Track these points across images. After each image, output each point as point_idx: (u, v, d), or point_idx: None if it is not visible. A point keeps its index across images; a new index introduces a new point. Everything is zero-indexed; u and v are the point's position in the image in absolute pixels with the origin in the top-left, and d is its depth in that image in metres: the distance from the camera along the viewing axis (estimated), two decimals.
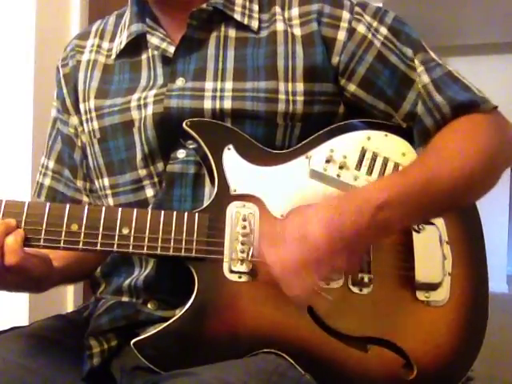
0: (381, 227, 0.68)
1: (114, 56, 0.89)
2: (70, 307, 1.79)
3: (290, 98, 0.80)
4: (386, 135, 0.82)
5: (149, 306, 0.79)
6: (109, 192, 0.87)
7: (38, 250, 0.74)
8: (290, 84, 0.80)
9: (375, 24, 0.84)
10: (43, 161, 0.97)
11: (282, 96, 0.79)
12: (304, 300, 0.70)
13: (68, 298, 1.82)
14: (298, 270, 0.65)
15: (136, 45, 0.87)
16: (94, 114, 0.87)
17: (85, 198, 0.95)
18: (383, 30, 0.83)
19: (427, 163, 0.74)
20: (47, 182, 0.95)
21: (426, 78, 0.81)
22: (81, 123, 0.91)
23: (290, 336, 0.71)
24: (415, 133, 0.82)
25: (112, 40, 0.92)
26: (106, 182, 0.87)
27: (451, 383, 0.76)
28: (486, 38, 5.32)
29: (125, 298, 0.83)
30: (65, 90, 0.94)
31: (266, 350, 0.70)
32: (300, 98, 0.80)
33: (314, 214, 0.66)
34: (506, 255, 5.55)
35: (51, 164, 0.96)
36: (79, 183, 0.94)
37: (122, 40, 0.88)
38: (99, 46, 0.92)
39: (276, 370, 0.66)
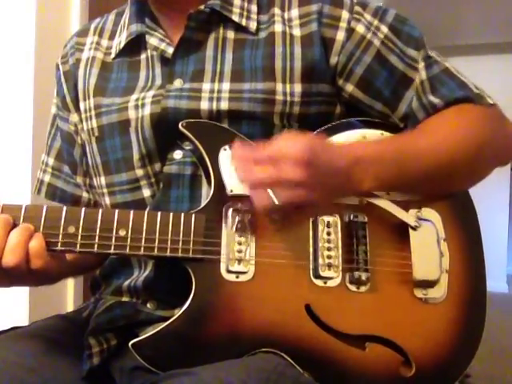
0: (353, 181, 0.71)
1: (113, 55, 0.89)
2: (70, 307, 1.79)
3: (288, 98, 0.80)
4: (382, 134, 0.82)
5: (148, 305, 0.79)
6: (105, 191, 0.87)
7: None
8: (287, 85, 0.80)
9: (376, 23, 0.84)
10: (43, 158, 0.98)
11: (279, 97, 0.80)
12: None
13: (68, 298, 1.82)
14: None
15: (135, 44, 0.87)
16: (93, 113, 0.87)
17: (85, 194, 0.95)
18: (384, 29, 0.83)
19: (405, 135, 0.79)
20: (47, 178, 0.96)
21: (424, 75, 0.82)
22: (81, 121, 0.91)
23: (289, 335, 0.71)
24: (409, 128, 0.83)
25: (111, 38, 0.92)
26: (103, 180, 0.87)
27: (450, 380, 0.76)
28: (486, 38, 5.32)
29: (124, 298, 0.83)
30: (65, 87, 0.94)
31: (264, 350, 0.70)
32: (297, 99, 0.80)
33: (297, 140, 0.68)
34: (505, 255, 5.53)
35: (51, 161, 0.96)
36: (79, 179, 0.95)
37: (121, 40, 0.89)
38: (98, 44, 0.93)
39: (275, 368, 0.66)
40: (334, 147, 0.72)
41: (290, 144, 0.65)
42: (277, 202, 0.65)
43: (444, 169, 0.77)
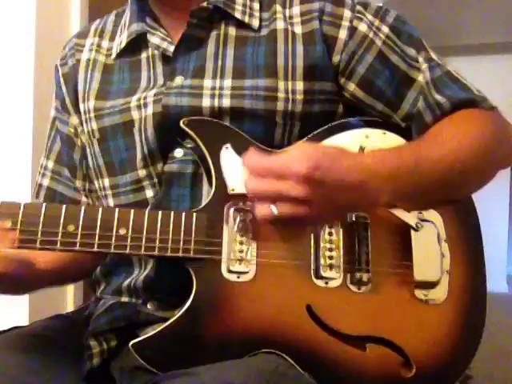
0: (369, 197, 0.67)
1: (114, 55, 0.89)
2: (70, 307, 1.79)
3: (290, 96, 0.80)
4: (384, 133, 0.82)
5: (148, 306, 0.79)
6: (109, 192, 0.87)
7: (21, 255, 0.73)
8: (289, 82, 0.80)
9: (377, 23, 0.84)
10: (42, 161, 0.97)
11: (281, 94, 0.79)
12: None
13: (68, 298, 1.82)
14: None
15: (136, 44, 0.87)
16: (92, 115, 0.87)
17: (83, 198, 0.94)
18: (385, 29, 0.83)
19: (419, 144, 0.75)
20: (46, 182, 0.95)
21: (428, 75, 0.82)
22: (80, 123, 0.91)
23: (289, 336, 0.71)
24: (414, 129, 0.83)
25: (112, 39, 0.92)
26: (107, 182, 0.87)
27: (450, 381, 0.76)
28: (485, 38, 5.32)
29: (124, 298, 0.83)
30: (64, 90, 0.93)
31: (265, 350, 0.70)
32: (299, 97, 0.80)
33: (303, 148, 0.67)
34: (506, 255, 5.54)
35: (50, 164, 0.95)
36: (78, 183, 0.94)
37: (122, 40, 0.88)
38: (99, 45, 0.92)
39: (276, 369, 0.65)
40: (347, 161, 0.66)
41: (297, 159, 0.62)
42: (276, 213, 0.63)
43: (457, 177, 0.75)
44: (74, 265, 0.88)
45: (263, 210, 0.64)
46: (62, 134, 0.95)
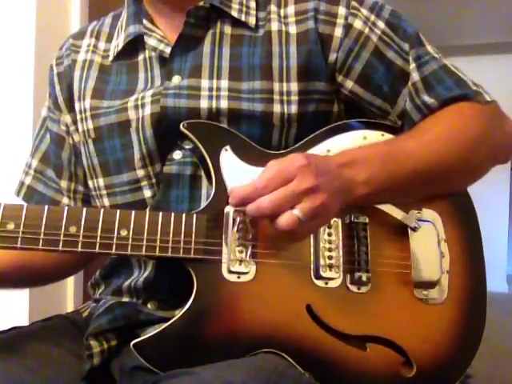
0: (346, 181, 0.71)
1: (111, 58, 0.89)
2: (70, 307, 1.79)
3: (285, 98, 0.80)
4: (383, 135, 0.82)
5: (149, 306, 0.79)
6: (104, 192, 0.87)
7: None
8: (284, 84, 0.80)
9: (372, 18, 0.84)
10: (27, 160, 0.97)
11: (276, 96, 0.80)
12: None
13: (68, 298, 1.82)
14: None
15: (133, 46, 0.87)
16: (88, 114, 0.87)
17: (64, 200, 0.94)
18: (380, 24, 0.84)
19: (396, 138, 0.80)
20: (28, 181, 0.95)
21: (416, 76, 0.82)
22: (74, 122, 0.91)
23: (290, 335, 0.71)
24: (406, 129, 0.83)
25: (108, 41, 0.92)
26: (101, 182, 0.87)
27: (450, 380, 0.76)
28: (486, 38, 5.32)
29: (125, 299, 0.83)
30: (57, 88, 0.93)
31: (265, 350, 0.70)
32: (294, 98, 0.80)
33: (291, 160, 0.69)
34: (506, 255, 5.53)
35: (34, 163, 0.95)
36: (63, 183, 0.94)
37: (119, 42, 0.88)
38: (95, 46, 0.92)
39: (276, 369, 0.65)
40: (322, 158, 0.72)
41: (289, 159, 0.68)
42: (300, 215, 0.65)
43: (435, 168, 0.77)
44: (20, 270, 0.87)
45: (287, 219, 0.65)
46: (52, 133, 0.94)
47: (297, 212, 0.65)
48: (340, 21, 0.82)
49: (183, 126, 0.77)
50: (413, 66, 0.83)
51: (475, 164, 0.81)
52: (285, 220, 0.65)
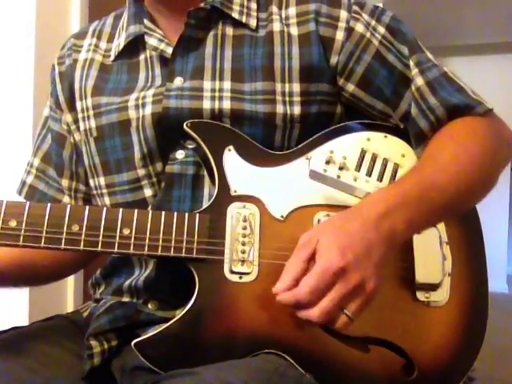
0: (387, 236, 0.68)
1: (112, 57, 0.89)
2: (70, 307, 1.79)
3: (287, 99, 0.80)
4: (386, 136, 0.82)
5: (149, 306, 0.79)
6: (105, 191, 0.87)
7: None
8: (286, 85, 0.80)
9: (373, 23, 0.84)
10: (29, 159, 0.97)
11: (279, 97, 0.80)
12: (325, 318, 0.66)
13: (68, 298, 1.83)
14: (315, 292, 0.64)
15: (134, 46, 0.87)
16: (91, 113, 0.87)
17: (65, 199, 0.94)
18: (381, 29, 0.84)
19: (422, 171, 0.76)
20: (30, 180, 0.95)
21: (420, 81, 0.82)
22: (75, 121, 0.91)
23: (291, 336, 0.71)
24: (411, 135, 0.83)
25: (110, 41, 0.92)
26: (102, 181, 0.87)
27: (452, 382, 0.76)
28: (486, 38, 5.33)
29: (125, 299, 0.83)
30: (59, 87, 0.93)
31: (266, 351, 0.70)
32: (297, 99, 0.80)
33: (324, 242, 0.67)
34: (506, 255, 5.53)
35: (36, 162, 0.95)
36: (64, 182, 0.94)
37: (120, 42, 0.88)
38: (96, 46, 0.92)
39: (277, 369, 0.66)
40: (354, 223, 0.68)
41: (326, 260, 0.65)
42: (353, 317, 0.65)
43: (464, 196, 0.77)
44: (20, 269, 0.87)
45: (342, 321, 0.66)
46: (53, 132, 0.94)
47: (349, 314, 0.65)
48: (342, 24, 0.82)
49: (187, 125, 0.77)
50: (415, 71, 0.82)
51: (492, 181, 0.81)
52: (341, 325, 0.66)
